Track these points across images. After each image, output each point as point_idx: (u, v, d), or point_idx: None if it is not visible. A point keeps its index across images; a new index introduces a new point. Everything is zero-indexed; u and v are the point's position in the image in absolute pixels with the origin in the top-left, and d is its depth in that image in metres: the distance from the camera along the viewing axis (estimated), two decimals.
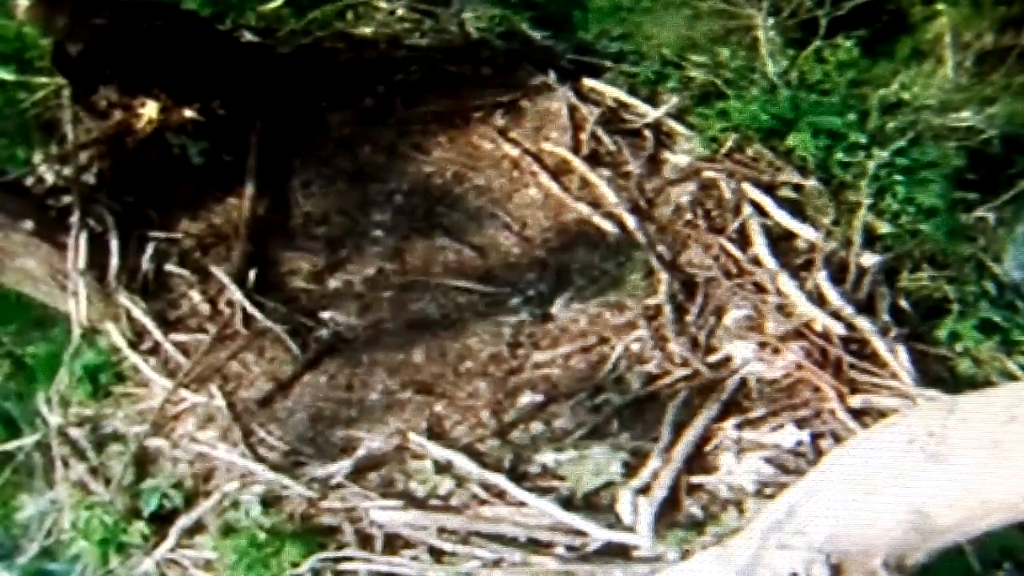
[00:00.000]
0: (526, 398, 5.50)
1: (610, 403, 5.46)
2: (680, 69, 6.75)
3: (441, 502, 5.14)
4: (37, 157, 6.59)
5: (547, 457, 5.23)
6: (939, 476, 3.96)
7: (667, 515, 4.99)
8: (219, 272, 6.00)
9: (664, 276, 5.83)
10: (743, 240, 5.99)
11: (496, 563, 4.94)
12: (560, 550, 4.94)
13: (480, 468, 5.16)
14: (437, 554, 5.01)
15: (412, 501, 5.13)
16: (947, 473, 3.95)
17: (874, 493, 4.04)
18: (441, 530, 5.03)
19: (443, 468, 5.23)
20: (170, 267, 6.11)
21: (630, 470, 5.15)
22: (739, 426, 5.30)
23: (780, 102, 6.44)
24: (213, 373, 5.71)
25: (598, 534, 4.91)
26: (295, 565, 5.00)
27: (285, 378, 5.66)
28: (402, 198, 6.31)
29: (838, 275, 5.84)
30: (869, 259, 5.92)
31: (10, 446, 5.88)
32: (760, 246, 5.94)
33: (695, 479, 5.14)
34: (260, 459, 5.33)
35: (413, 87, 6.82)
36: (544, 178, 6.29)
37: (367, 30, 7.18)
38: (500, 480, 5.10)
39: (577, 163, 6.34)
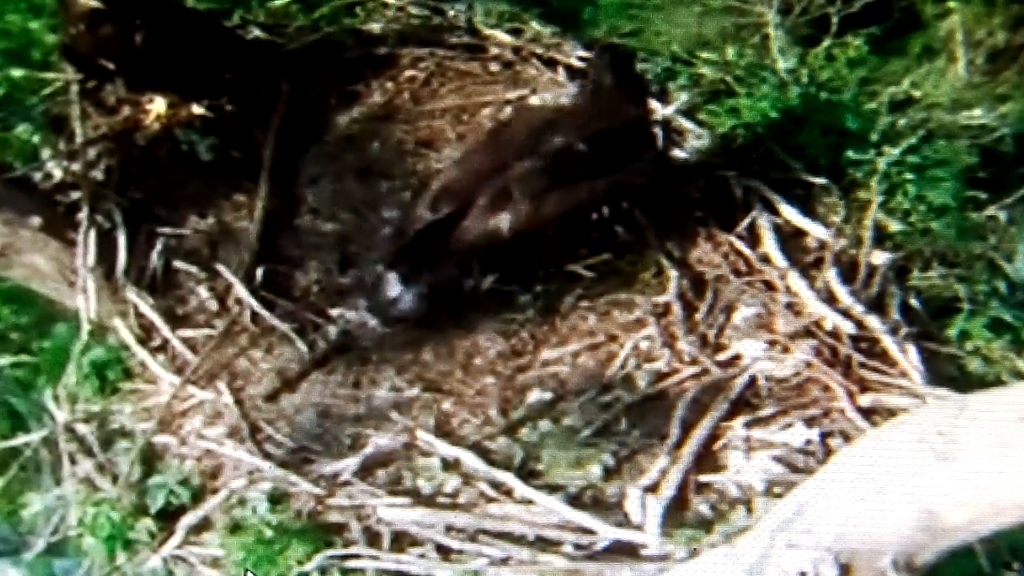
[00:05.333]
0: (534, 396, 5.50)
1: (619, 401, 5.44)
2: (690, 66, 6.74)
3: (449, 500, 5.13)
4: (45, 153, 6.59)
5: (556, 454, 5.22)
6: (949, 475, 3.95)
7: (676, 513, 4.97)
8: (225, 270, 6.00)
9: (673, 274, 5.82)
10: (753, 238, 5.98)
11: (504, 561, 4.94)
12: (568, 548, 4.93)
13: (488, 466, 5.15)
14: (444, 552, 5.00)
15: (420, 499, 5.12)
16: (957, 472, 3.94)
17: (883, 492, 4.03)
18: (449, 528, 5.02)
19: (451, 466, 5.22)
20: (178, 263, 6.10)
21: (638, 468, 5.15)
22: (748, 425, 5.28)
23: (791, 100, 6.42)
24: (221, 370, 5.71)
25: (606, 532, 4.90)
26: (302, 562, 5.00)
27: (293, 375, 5.65)
28: (411, 195, 6.30)
29: (848, 273, 5.82)
30: (879, 257, 5.90)
31: (17, 442, 5.88)
32: (770, 244, 5.92)
33: (704, 478, 5.12)
34: (267, 456, 5.32)
35: (422, 84, 6.82)
36: None
37: (376, 27, 7.17)
38: (508, 478, 5.09)
39: None
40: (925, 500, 3.98)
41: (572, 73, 6.76)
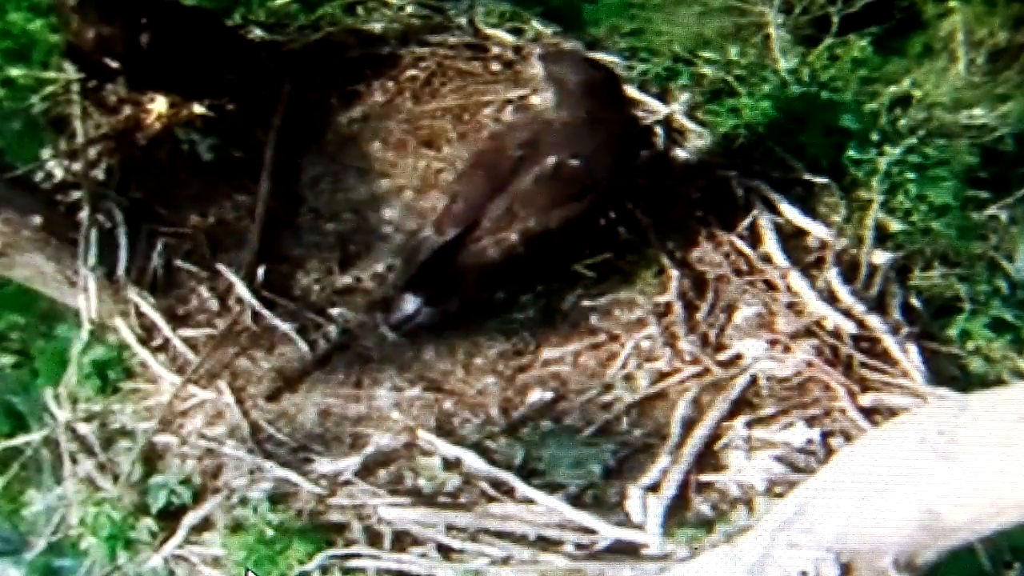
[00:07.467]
0: (535, 395, 5.50)
1: (620, 400, 5.44)
2: (691, 66, 6.74)
3: (450, 499, 5.13)
4: (46, 153, 6.61)
5: (557, 454, 5.21)
6: (950, 475, 3.95)
7: (676, 513, 4.97)
8: (227, 269, 6.00)
9: (674, 273, 5.82)
10: (754, 237, 5.97)
11: (505, 560, 4.94)
12: (569, 548, 4.93)
13: (489, 465, 5.15)
14: (445, 551, 5.00)
15: (421, 498, 5.13)
16: (958, 472, 3.94)
17: (884, 492, 4.03)
18: (450, 527, 5.02)
19: (452, 465, 5.22)
20: (179, 263, 6.10)
21: (639, 468, 5.15)
22: (749, 424, 5.28)
23: (792, 99, 6.42)
24: (222, 369, 5.71)
25: (607, 532, 4.90)
26: (303, 562, 5.00)
27: (294, 375, 5.65)
28: (412, 194, 6.31)
29: (849, 273, 5.82)
30: (880, 257, 5.90)
31: (18, 441, 5.88)
32: (771, 244, 5.92)
33: (705, 477, 5.12)
34: (268, 455, 5.33)
35: (423, 83, 6.83)
36: None
37: (377, 26, 7.18)
38: (509, 477, 5.10)
39: None
40: (926, 500, 3.98)
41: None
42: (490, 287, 5.73)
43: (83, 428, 5.65)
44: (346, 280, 6.03)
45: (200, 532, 5.26)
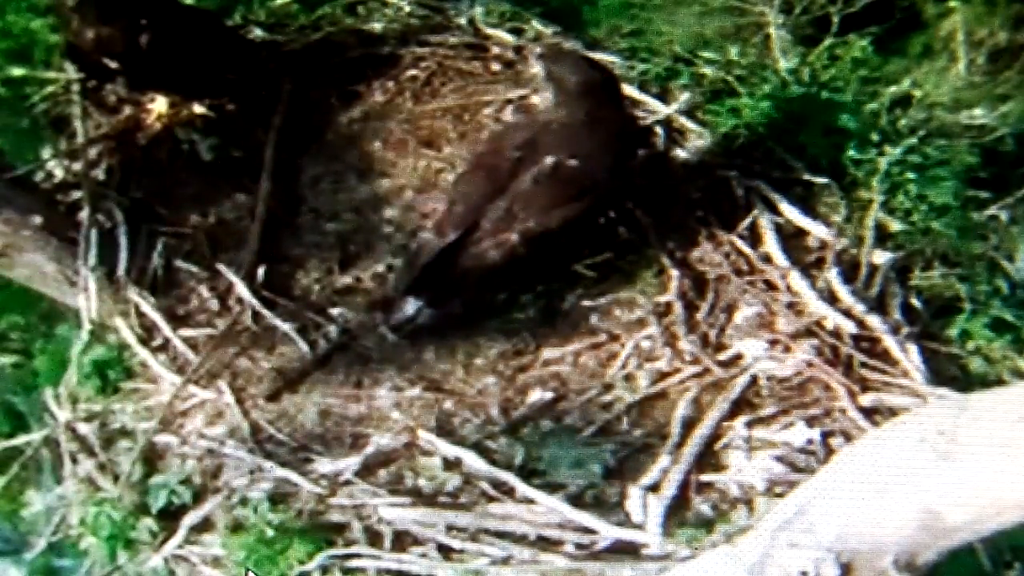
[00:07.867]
0: (536, 395, 5.49)
1: (620, 400, 5.44)
2: (691, 66, 6.74)
3: (450, 499, 5.13)
4: (46, 153, 6.62)
5: (557, 454, 5.21)
6: (950, 475, 3.95)
7: (677, 513, 4.97)
8: (227, 269, 6.00)
9: (675, 273, 5.82)
10: (754, 237, 5.97)
11: (505, 560, 4.93)
12: (569, 548, 4.93)
13: (489, 465, 5.15)
14: (446, 551, 5.00)
15: (421, 498, 5.12)
16: (958, 472, 3.94)
17: (884, 492, 4.03)
18: (450, 527, 5.02)
19: (452, 465, 5.22)
20: (179, 263, 6.10)
21: (640, 468, 5.15)
22: (749, 424, 5.28)
23: (792, 99, 6.41)
24: (222, 369, 5.71)
25: (607, 532, 4.90)
26: (303, 562, 5.00)
27: (294, 375, 5.65)
28: (412, 194, 6.31)
29: (849, 273, 5.82)
30: (881, 257, 5.90)
31: (18, 441, 5.89)
32: (771, 244, 5.91)
33: (705, 477, 5.12)
34: (269, 455, 5.32)
35: (423, 83, 6.83)
36: None
37: (377, 26, 7.18)
38: (509, 477, 5.09)
39: None
40: (926, 500, 3.98)
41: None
42: (492, 288, 5.73)
43: (83, 428, 5.65)
44: (346, 280, 6.03)
45: (200, 532, 5.26)
